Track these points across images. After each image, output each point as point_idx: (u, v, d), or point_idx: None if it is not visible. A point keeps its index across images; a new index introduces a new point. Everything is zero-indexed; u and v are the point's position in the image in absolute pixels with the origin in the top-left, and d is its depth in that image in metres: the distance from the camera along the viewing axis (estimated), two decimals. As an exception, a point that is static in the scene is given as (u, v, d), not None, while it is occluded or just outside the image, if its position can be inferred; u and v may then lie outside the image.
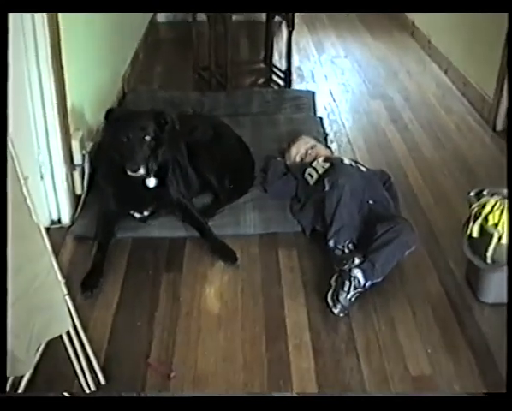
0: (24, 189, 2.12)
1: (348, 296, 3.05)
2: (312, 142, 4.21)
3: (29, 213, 2.12)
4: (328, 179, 3.48)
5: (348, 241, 3.32)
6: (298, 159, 4.10)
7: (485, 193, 3.18)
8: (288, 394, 2.56)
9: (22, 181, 2.10)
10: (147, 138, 3.43)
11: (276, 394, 2.57)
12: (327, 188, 3.43)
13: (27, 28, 3.32)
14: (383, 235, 3.21)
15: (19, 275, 1.97)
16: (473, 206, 3.13)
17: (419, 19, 7.02)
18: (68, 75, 3.70)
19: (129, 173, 3.39)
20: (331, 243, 3.32)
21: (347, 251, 3.29)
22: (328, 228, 3.36)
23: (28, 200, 2.13)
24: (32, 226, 2.13)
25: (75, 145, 3.83)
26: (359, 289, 3.08)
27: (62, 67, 3.59)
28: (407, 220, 3.43)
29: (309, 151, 4.07)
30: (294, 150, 4.18)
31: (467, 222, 3.14)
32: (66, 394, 2.49)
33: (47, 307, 2.22)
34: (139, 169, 3.39)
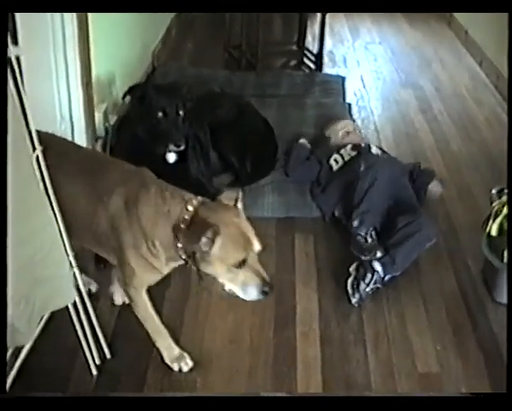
0: (34, 162, 2.11)
1: (368, 288, 3.03)
2: (351, 128, 4.15)
3: (37, 184, 2.11)
4: (363, 161, 3.49)
5: (371, 229, 3.30)
6: (340, 135, 4.06)
7: (506, 191, 3.12)
8: (287, 394, 2.54)
9: (31, 153, 2.09)
10: (181, 112, 3.43)
11: (279, 394, 2.54)
12: (362, 169, 3.44)
13: (54, -1, 3.31)
14: (404, 228, 3.18)
15: (22, 247, 1.97)
16: (494, 204, 3.07)
17: (457, 9, 6.91)
18: (94, 48, 3.71)
19: (171, 148, 3.46)
20: (356, 223, 3.30)
21: (369, 240, 3.26)
22: (355, 207, 3.34)
23: (37, 173, 2.12)
24: (39, 199, 2.13)
25: (98, 116, 3.85)
26: (378, 284, 3.07)
27: (88, 38, 3.59)
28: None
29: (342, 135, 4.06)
30: (340, 125, 4.15)
31: (487, 219, 3.08)
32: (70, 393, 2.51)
33: (50, 280, 2.21)
34: (182, 143, 3.41)
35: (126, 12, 4.36)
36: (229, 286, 2.35)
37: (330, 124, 4.17)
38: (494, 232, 3.02)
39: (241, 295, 2.35)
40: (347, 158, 3.69)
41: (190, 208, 2.30)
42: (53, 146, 2.52)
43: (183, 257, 2.34)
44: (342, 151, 3.78)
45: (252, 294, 2.33)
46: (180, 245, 2.30)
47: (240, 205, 2.40)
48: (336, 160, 3.75)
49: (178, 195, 2.37)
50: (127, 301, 2.86)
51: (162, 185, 2.43)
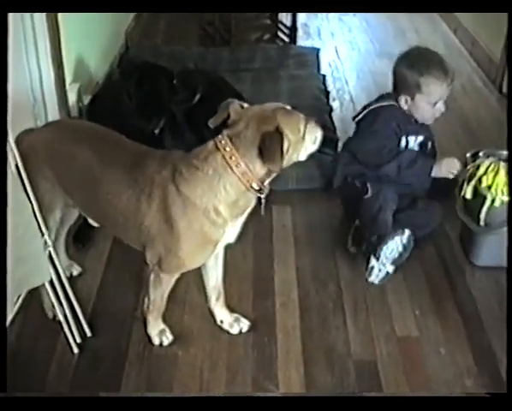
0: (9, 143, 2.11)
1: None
2: None
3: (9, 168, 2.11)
4: (371, 184, 3.13)
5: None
6: None
7: (480, 154, 3.14)
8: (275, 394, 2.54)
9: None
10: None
11: (275, 394, 2.54)
12: (369, 194, 3.12)
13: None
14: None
15: (-3, 226, 1.97)
16: (468, 167, 3.09)
17: (431, -23, 6.90)
18: (64, 28, 3.68)
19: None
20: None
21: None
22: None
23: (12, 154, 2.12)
24: (12, 179, 2.12)
25: (71, 97, 3.81)
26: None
27: (56, 19, 3.56)
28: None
29: None
30: None
31: (462, 183, 3.10)
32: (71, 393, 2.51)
33: (27, 258, 2.21)
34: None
35: (125, 12, 4.37)
36: (307, 152, 2.42)
37: None
38: (468, 195, 3.04)
39: (317, 148, 2.44)
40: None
41: (223, 142, 2.29)
42: (97, 138, 2.60)
43: (257, 186, 2.31)
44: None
45: (320, 138, 2.44)
46: (251, 178, 2.27)
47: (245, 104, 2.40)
48: None
49: (204, 154, 2.31)
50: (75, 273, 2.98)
51: (188, 158, 2.35)
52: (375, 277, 2.92)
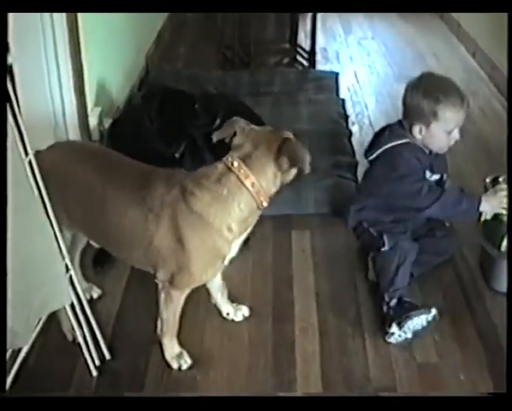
0: (26, 165, 2.12)
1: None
2: None
3: (30, 188, 2.13)
4: (388, 237, 3.01)
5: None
6: None
7: (500, 179, 3.11)
8: (292, 394, 2.54)
9: (24, 157, 2.10)
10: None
11: (281, 394, 2.55)
12: (386, 247, 3.00)
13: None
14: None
15: (17, 250, 1.98)
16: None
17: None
18: (86, 51, 3.72)
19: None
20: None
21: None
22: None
23: (30, 176, 2.14)
24: (33, 202, 2.14)
25: (92, 121, 3.85)
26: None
27: (79, 43, 3.61)
28: None
29: None
30: None
31: (482, 209, 3.08)
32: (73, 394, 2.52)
33: (47, 282, 2.23)
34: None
35: (125, 12, 4.39)
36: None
37: None
38: (487, 216, 3.01)
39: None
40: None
41: (235, 164, 2.36)
42: (102, 159, 2.66)
43: (265, 204, 2.42)
44: None
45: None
46: (263, 195, 2.38)
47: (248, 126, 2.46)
48: None
49: (216, 175, 2.38)
50: (94, 296, 3.01)
51: (196, 178, 2.41)
52: (394, 340, 2.86)
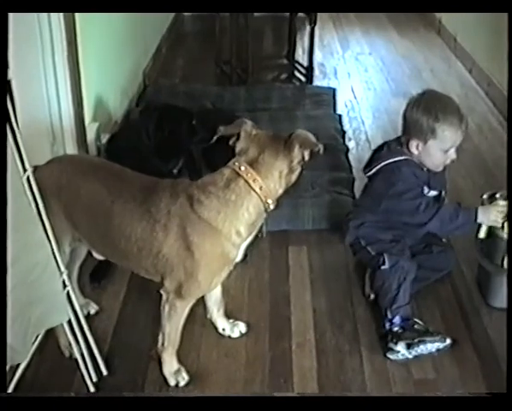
0: (24, 180, 2.13)
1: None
2: None
3: (28, 204, 2.13)
4: (388, 256, 3.00)
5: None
6: None
7: (497, 196, 3.12)
8: (288, 394, 2.54)
9: (22, 173, 2.10)
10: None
11: (276, 394, 2.55)
12: (386, 266, 3.00)
13: (43, 18, 3.34)
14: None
15: (15, 265, 1.98)
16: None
17: (446, 16, 6.96)
18: (84, 67, 3.73)
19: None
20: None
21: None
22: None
23: (28, 191, 2.14)
24: (31, 217, 2.14)
25: (90, 135, 3.86)
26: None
27: (77, 59, 3.62)
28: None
29: None
30: None
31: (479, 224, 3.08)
32: (72, 394, 2.51)
33: (45, 298, 2.22)
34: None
35: (125, 12, 4.40)
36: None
37: None
38: (482, 234, 3.02)
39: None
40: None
41: (243, 168, 2.39)
42: (104, 171, 2.68)
43: (272, 205, 2.45)
44: None
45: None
46: (270, 197, 2.42)
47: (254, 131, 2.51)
48: None
49: (223, 182, 2.41)
50: (92, 312, 3.02)
51: (202, 186, 2.44)
52: (394, 358, 2.84)
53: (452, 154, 2.96)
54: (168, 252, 2.45)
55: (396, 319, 2.89)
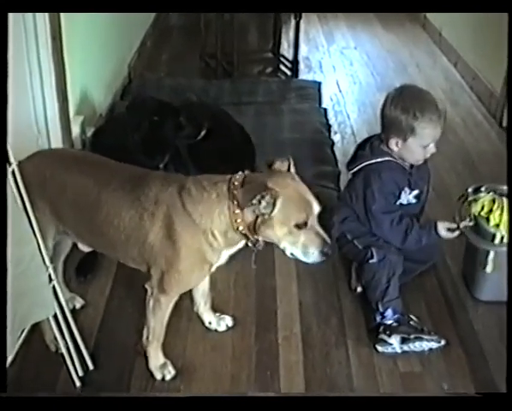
0: (9, 175, 2.11)
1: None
2: None
3: (14, 199, 2.12)
4: (376, 250, 3.00)
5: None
6: None
7: (482, 189, 3.13)
8: (274, 394, 2.54)
9: (7, 167, 2.09)
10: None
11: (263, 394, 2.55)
12: (375, 260, 3.00)
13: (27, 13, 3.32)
14: None
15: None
16: (469, 199, 3.08)
17: (431, 11, 6.98)
18: (68, 60, 3.71)
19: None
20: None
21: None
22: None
23: (13, 185, 2.13)
24: (17, 212, 2.13)
25: (75, 129, 3.84)
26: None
27: (62, 52, 3.60)
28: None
29: None
30: None
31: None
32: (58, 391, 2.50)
33: (30, 292, 2.22)
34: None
35: (125, 12, 4.38)
36: (290, 250, 2.38)
37: None
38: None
39: (303, 258, 2.38)
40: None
41: (237, 178, 2.36)
42: (91, 163, 2.68)
43: (243, 231, 2.36)
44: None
45: (313, 256, 2.36)
46: (239, 219, 2.33)
47: (292, 169, 2.43)
48: None
49: (216, 178, 2.42)
50: (77, 306, 2.99)
51: (198, 178, 2.45)
52: (384, 350, 2.86)
53: (432, 148, 2.96)
54: (153, 240, 2.44)
55: (388, 313, 2.90)
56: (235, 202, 2.32)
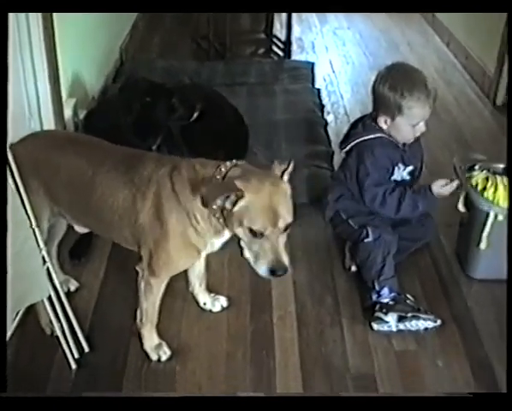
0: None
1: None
2: None
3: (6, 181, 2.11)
4: (372, 229, 3.00)
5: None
6: None
7: (476, 167, 3.14)
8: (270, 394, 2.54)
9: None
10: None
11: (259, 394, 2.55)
12: (370, 239, 3.00)
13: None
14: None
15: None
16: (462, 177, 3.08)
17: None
18: (60, 43, 3.69)
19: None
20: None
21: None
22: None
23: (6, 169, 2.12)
24: (12, 194, 2.12)
25: (68, 112, 3.82)
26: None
27: (53, 34, 3.58)
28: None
29: None
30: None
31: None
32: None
33: (25, 275, 2.21)
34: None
35: (124, 12, 4.37)
36: (244, 252, 2.31)
37: None
38: (460, 206, 3.07)
39: (253, 266, 2.30)
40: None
41: (223, 169, 2.31)
42: (85, 145, 2.67)
43: (220, 219, 2.31)
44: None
45: (261, 269, 2.26)
46: (215, 206, 2.25)
47: (286, 177, 2.33)
48: None
49: (210, 163, 2.38)
50: (72, 289, 3.00)
51: (192, 161, 2.43)
52: (379, 328, 2.86)
53: (421, 127, 2.95)
54: (143, 220, 2.44)
55: (384, 291, 2.90)
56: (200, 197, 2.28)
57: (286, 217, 2.25)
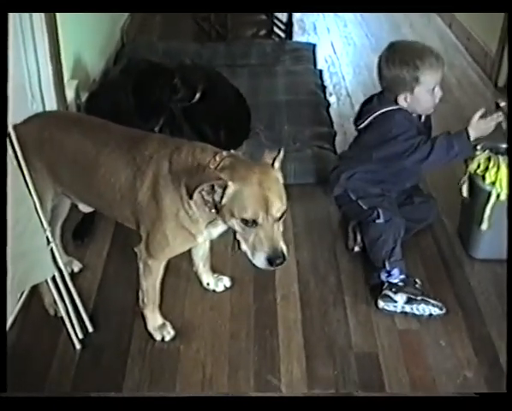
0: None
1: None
2: None
3: (11, 161, 2.12)
4: (383, 211, 3.01)
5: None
6: None
7: (478, 147, 3.14)
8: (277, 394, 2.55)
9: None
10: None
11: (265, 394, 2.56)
12: (381, 220, 3.01)
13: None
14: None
15: (-1, 222, 1.97)
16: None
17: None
18: (61, 24, 3.68)
19: None
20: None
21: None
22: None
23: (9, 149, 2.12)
24: (13, 174, 2.12)
25: (70, 93, 3.82)
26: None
27: (55, 17, 3.57)
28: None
29: None
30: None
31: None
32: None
33: (29, 254, 2.22)
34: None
35: (124, 12, 4.36)
36: (242, 245, 2.28)
37: None
38: (465, 193, 3.10)
39: (251, 258, 2.27)
40: None
41: (218, 158, 2.29)
42: (89, 124, 2.67)
43: (211, 209, 2.28)
44: None
45: (259, 260, 2.23)
46: (195, 196, 2.22)
47: (277, 164, 2.30)
48: None
49: (209, 150, 2.37)
50: (75, 270, 3.01)
51: (195, 145, 2.42)
52: (385, 307, 2.87)
53: (438, 92, 2.99)
54: (142, 199, 2.44)
55: (395, 272, 2.91)
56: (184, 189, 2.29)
57: (277, 202, 2.21)
